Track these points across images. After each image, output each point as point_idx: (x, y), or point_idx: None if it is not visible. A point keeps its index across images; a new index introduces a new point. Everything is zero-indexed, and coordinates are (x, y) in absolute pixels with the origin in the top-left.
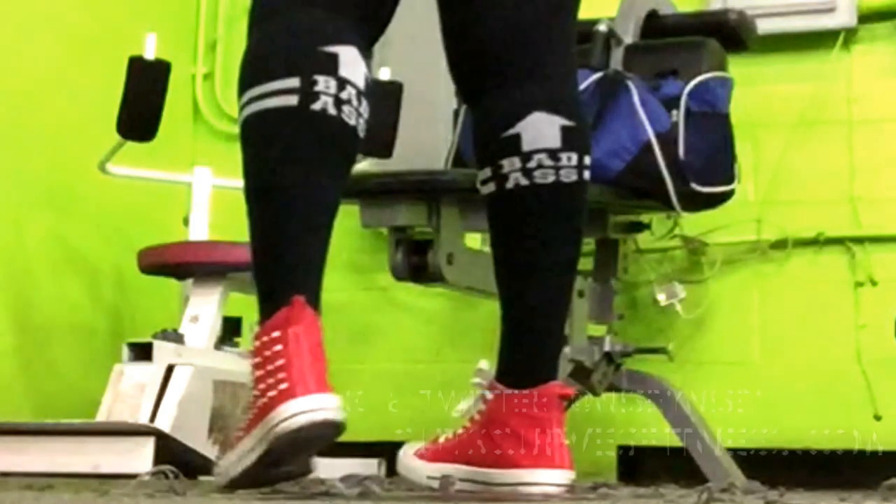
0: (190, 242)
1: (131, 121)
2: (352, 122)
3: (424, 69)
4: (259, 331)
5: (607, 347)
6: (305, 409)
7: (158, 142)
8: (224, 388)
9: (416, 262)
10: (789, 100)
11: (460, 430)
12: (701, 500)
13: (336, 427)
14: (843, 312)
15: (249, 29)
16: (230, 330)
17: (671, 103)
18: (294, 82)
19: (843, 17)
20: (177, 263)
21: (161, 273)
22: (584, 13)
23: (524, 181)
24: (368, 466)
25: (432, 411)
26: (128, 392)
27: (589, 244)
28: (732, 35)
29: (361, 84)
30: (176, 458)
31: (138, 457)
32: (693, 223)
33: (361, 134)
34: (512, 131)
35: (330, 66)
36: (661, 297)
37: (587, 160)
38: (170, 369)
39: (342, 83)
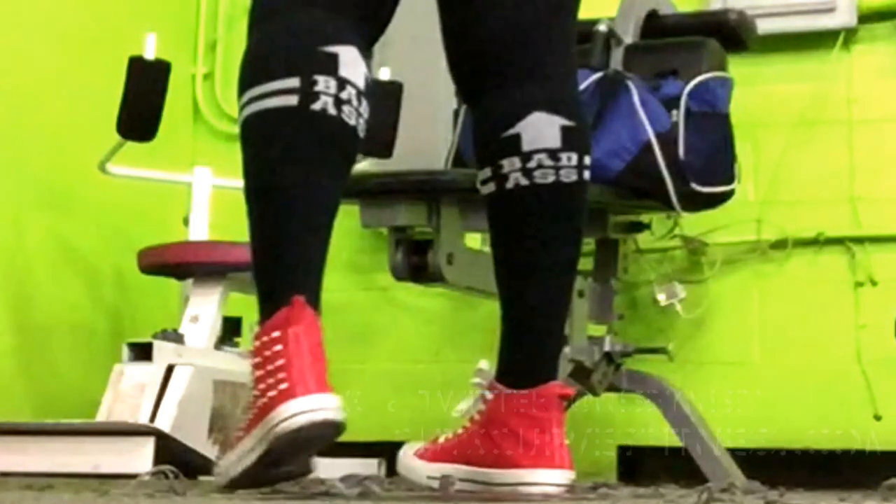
0: (190, 242)
1: (131, 121)
2: (352, 122)
3: (424, 69)
4: (259, 331)
5: (607, 347)
6: (305, 409)
7: (158, 142)
8: (224, 388)
9: (416, 262)
10: (789, 100)
11: (460, 431)
12: (701, 500)
13: (336, 427)
14: (843, 312)
15: (249, 29)
16: (230, 330)
17: (671, 103)
18: (294, 82)
19: (843, 17)
20: (177, 263)
21: (161, 273)
22: (584, 13)
23: (524, 181)
24: (368, 466)
25: (432, 411)
26: (128, 392)
27: (589, 244)
28: (732, 35)
29: (361, 84)
30: (176, 458)
31: (138, 457)
32: (693, 223)
33: (361, 134)
34: (512, 131)
35: (330, 66)
36: (661, 297)
37: (587, 160)
38: (170, 369)
39: (342, 83)
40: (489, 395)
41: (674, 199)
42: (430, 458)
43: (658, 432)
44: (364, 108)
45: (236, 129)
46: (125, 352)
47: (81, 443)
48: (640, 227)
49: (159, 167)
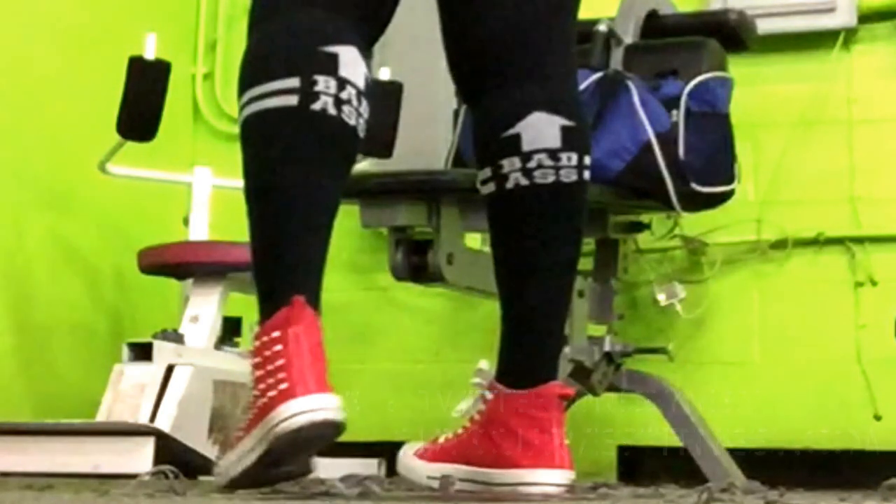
0: (190, 242)
1: (131, 121)
2: (352, 122)
3: (424, 69)
4: (259, 331)
5: (607, 347)
6: (305, 409)
7: (158, 142)
8: (224, 388)
9: (416, 262)
10: (789, 100)
11: (460, 431)
12: (701, 500)
13: (336, 427)
14: (843, 312)
15: (249, 29)
16: (230, 330)
17: (671, 103)
18: (294, 82)
19: (843, 17)
20: (177, 263)
21: (161, 273)
22: (584, 13)
23: (524, 181)
24: (368, 466)
25: (432, 411)
26: (128, 392)
27: (589, 244)
28: (732, 35)
29: (361, 84)
30: (176, 458)
31: (138, 457)
32: (693, 223)
33: (361, 134)
34: (512, 131)
35: (330, 66)
36: (661, 297)
37: (587, 160)
38: (170, 369)
39: (342, 83)
40: (489, 396)
41: (674, 199)
42: (429, 459)
43: (658, 432)
44: (364, 109)
45: (236, 129)
46: (125, 352)
47: (81, 443)
48: (640, 227)
49: (159, 167)
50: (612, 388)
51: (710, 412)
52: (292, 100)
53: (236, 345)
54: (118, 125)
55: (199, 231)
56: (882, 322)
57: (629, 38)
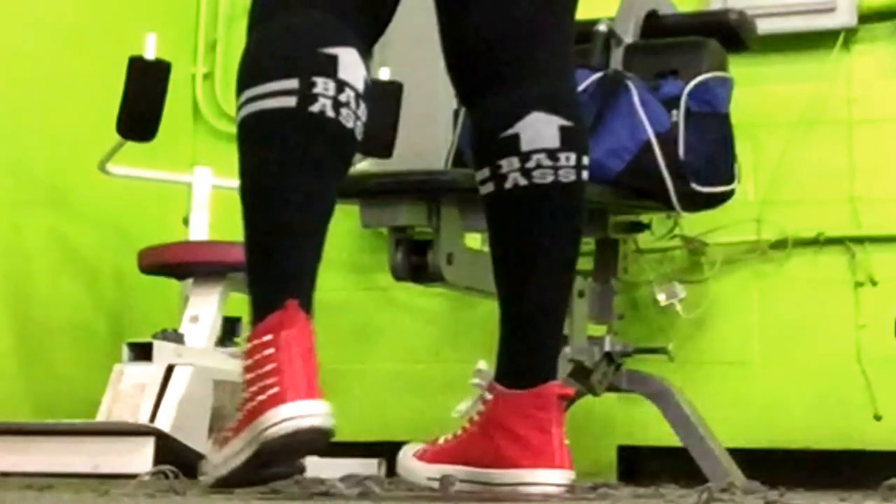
0: (190, 242)
1: (131, 121)
2: (349, 124)
3: (424, 69)
4: (251, 333)
5: (607, 347)
6: (294, 415)
7: (158, 142)
8: (224, 388)
9: (416, 262)
10: (789, 100)
11: (460, 431)
12: (701, 500)
13: (325, 433)
14: (843, 312)
15: (249, 28)
16: (230, 330)
17: (671, 103)
18: (293, 83)
19: (843, 17)
20: (177, 263)
21: (161, 273)
22: (584, 13)
23: (523, 181)
24: (368, 466)
25: (432, 411)
26: (128, 392)
27: (589, 244)
28: (732, 35)
29: (360, 87)
30: (176, 458)
31: (138, 457)
32: (693, 223)
33: (359, 137)
34: (511, 131)
35: (329, 68)
36: (661, 297)
37: (585, 160)
38: (170, 369)
39: (341, 85)
40: (488, 396)
41: (674, 199)
42: (429, 460)
43: (658, 432)
44: (362, 111)
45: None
46: (125, 352)
47: (81, 443)
48: (640, 227)
49: (159, 167)
50: (612, 388)
51: (710, 412)
52: (290, 101)
53: (236, 345)
54: (118, 125)
55: (199, 231)
56: (882, 322)
57: (629, 38)
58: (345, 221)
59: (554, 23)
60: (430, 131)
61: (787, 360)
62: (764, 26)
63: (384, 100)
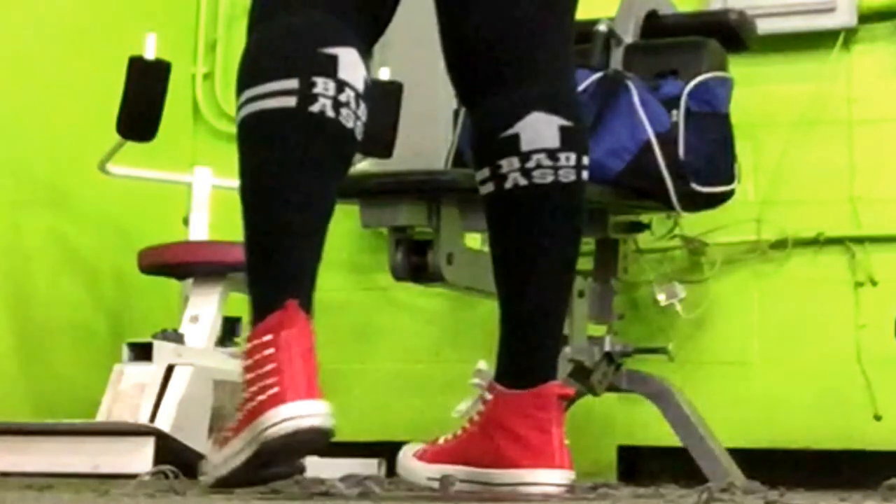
0: (190, 242)
1: (131, 121)
2: (349, 125)
3: (424, 69)
4: (251, 333)
5: (607, 347)
6: (294, 415)
7: (158, 142)
8: (224, 388)
9: (416, 262)
10: (789, 100)
11: (459, 432)
12: (701, 500)
13: (324, 434)
14: (843, 312)
15: (249, 28)
16: (230, 330)
17: (671, 103)
18: (293, 83)
19: (843, 17)
20: (177, 263)
21: (161, 273)
22: (584, 13)
23: (523, 181)
24: (368, 466)
25: (432, 411)
26: (128, 392)
27: (589, 244)
28: (732, 35)
29: (360, 87)
30: (176, 458)
31: (138, 457)
32: (693, 223)
33: (359, 137)
34: (511, 131)
35: (329, 68)
36: (661, 297)
37: (585, 160)
38: (170, 369)
39: (341, 86)
40: (488, 396)
41: (674, 199)
42: (429, 460)
43: (658, 432)
44: (362, 111)
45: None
46: (125, 352)
47: (81, 443)
48: (640, 227)
49: (159, 167)
50: (612, 388)
51: (710, 412)
52: (290, 101)
53: (236, 345)
54: (118, 125)
55: (199, 231)
56: (882, 322)
57: (629, 38)
58: (345, 221)
59: (554, 23)
60: (430, 131)
61: (787, 360)
62: (764, 26)
63: (384, 100)
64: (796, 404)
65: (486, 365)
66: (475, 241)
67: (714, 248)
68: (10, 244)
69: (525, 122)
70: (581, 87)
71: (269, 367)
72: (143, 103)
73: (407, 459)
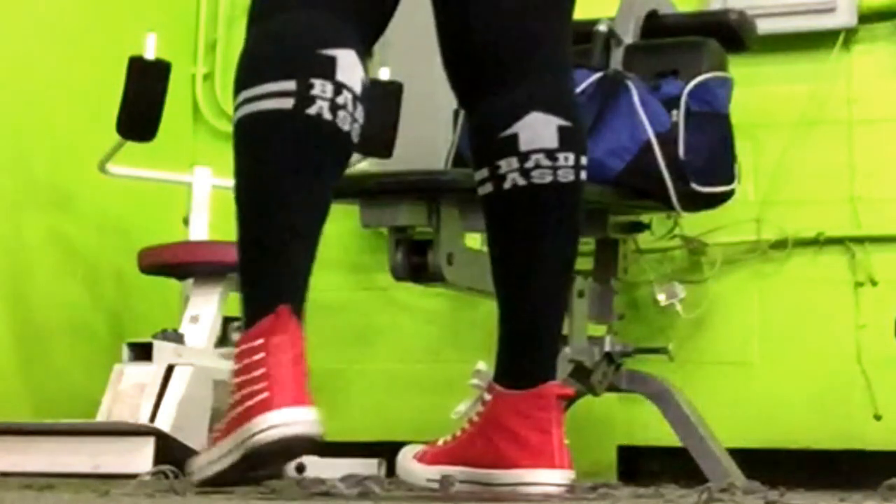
0: (190, 242)
1: (131, 121)
2: (346, 127)
3: (424, 69)
4: (242, 336)
5: (607, 347)
6: (281, 422)
7: (158, 142)
8: (224, 388)
9: (416, 262)
10: (789, 100)
11: (459, 432)
12: (701, 500)
13: (311, 441)
14: (843, 312)
15: (248, 27)
16: (230, 330)
17: (671, 103)
18: (290, 85)
19: (843, 17)
20: (177, 263)
21: (161, 273)
22: (584, 13)
23: (522, 181)
24: (368, 466)
25: (432, 411)
26: (128, 392)
27: (589, 244)
28: (732, 35)
29: (358, 89)
30: (176, 458)
31: (138, 457)
32: (693, 223)
33: (355, 139)
34: (509, 132)
35: (327, 69)
36: (661, 297)
37: (584, 160)
38: (170, 369)
39: (339, 87)
40: (488, 397)
41: (674, 199)
42: (429, 461)
43: (658, 432)
44: (359, 114)
45: None
46: (125, 352)
47: (81, 443)
48: (640, 227)
49: (159, 167)
50: (612, 388)
51: (710, 412)
52: (287, 103)
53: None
54: (118, 125)
55: (199, 231)
56: (882, 322)
57: (629, 38)
58: (345, 221)
59: (552, 23)
60: (430, 131)
61: (787, 360)
62: (764, 26)
63: (384, 100)
64: (796, 404)
65: (485, 365)
66: (475, 241)
67: (714, 248)
68: (10, 244)
69: (524, 122)
70: (581, 87)
71: (258, 371)
72: (143, 103)
73: (406, 461)
